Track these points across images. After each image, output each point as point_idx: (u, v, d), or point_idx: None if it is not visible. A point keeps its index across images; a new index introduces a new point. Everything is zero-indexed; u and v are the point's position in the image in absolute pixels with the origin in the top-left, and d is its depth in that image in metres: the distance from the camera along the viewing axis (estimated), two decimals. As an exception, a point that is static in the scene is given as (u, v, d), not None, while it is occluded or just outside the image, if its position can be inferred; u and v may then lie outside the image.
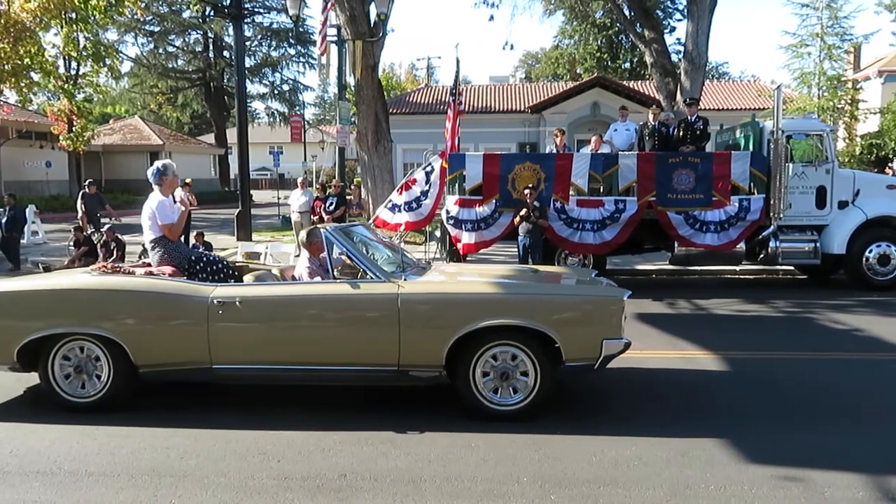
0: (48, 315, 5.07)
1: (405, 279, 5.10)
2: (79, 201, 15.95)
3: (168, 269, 5.42)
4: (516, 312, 4.87)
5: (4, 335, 5.07)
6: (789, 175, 10.25)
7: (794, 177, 10.40)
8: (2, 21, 25.03)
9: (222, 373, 5.03)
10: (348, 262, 5.69)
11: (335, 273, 5.35)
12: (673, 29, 41.18)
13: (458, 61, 12.40)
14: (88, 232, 13.85)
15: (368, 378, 5.07)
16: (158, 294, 5.08)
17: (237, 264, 6.10)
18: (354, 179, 22.24)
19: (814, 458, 4.23)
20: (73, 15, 26.91)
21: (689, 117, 11.56)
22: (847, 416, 5.03)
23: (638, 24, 18.47)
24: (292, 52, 43.32)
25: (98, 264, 5.92)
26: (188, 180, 14.43)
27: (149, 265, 5.68)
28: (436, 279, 5.52)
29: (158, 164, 5.71)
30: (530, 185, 10.13)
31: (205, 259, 5.60)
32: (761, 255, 10.78)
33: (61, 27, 27.66)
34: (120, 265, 5.80)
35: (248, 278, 5.63)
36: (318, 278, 5.44)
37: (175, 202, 5.72)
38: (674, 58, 18.25)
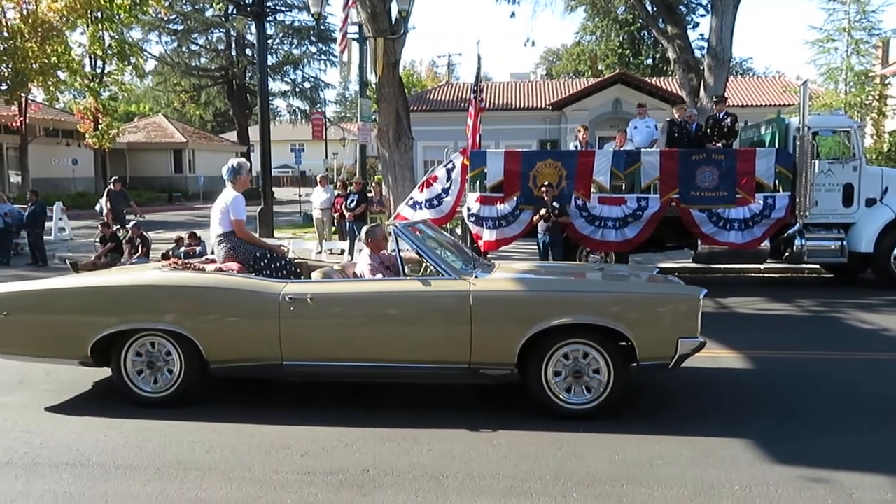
0: (122, 311, 5.12)
1: (476, 276, 5.08)
2: (104, 198, 16.18)
3: (234, 266, 5.47)
4: (590, 310, 4.84)
5: (79, 330, 5.13)
6: (815, 172, 10.11)
7: (821, 174, 10.26)
8: (30, 21, 25.47)
9: (292, 369, 5.04)
10: (412, 258, 5.71)
11: (406, 270, 5.34)
12: (696, 24, 40.74)
13: (479, 58, 12.39)
14: (114, 228, 14.04)
15: (439, 375, 5.06)
16: (230, 290, 5.10)
17: (296, 261, 6.11)
18: (375, 177, 22.31)
19: (841, 458, 4.18)
20: (99, 14, 27.30)
21: (716, 114, 11.44)
22: (875, 417, 4.96)
23: (661, 20, 18.29)
24: (314, 49, 43.51)
25: (169, 261, 5.94)
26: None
27: (214, 261, 5.74)
28: (507, 276, 5.47)
29: (233, 162, 5.80)
30: (547, 183, 10.09)
31: (269, 256, 5.66)
32: (786, 254, 10.64)
33: (87, 26, 28.08)
34: (189, 261, 5.86)
35: (316, 275, 5.63)
36: (379, 275, 5.45)
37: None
38: (697, 54, 18.06)
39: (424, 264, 5.45)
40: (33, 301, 5.37)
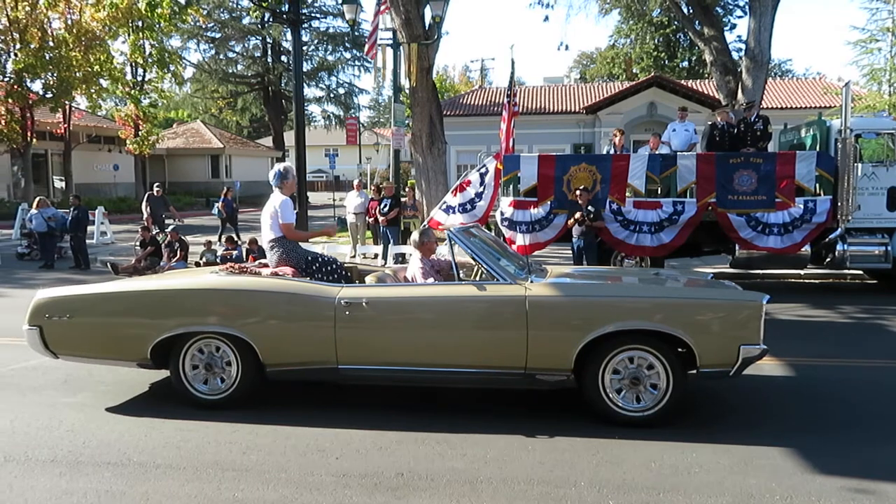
0: (181, 314, 5.19)
1: (531, 281, 5.05)
2: (144, 203, 16.56)
3: (288, 270, 5.53)
4: (650, 316, 4.78)
5: (140, 333, 5.21)
6: (858, 175, 9.86)
7: (864, 177, 10.01)
8: (74, 30, 26.21)
9: (348, 373, 5.07)
10: (461, 262, 5.72)
11: (460, 274, 5.33)
12: (733, 26, 40.26)
13: (512, 62, 12.38)
14: (154, 232, 14.34)
15: (494, 381, 5.02)
16: (287, 294, 5.14)
17: (346, 265, 6.15)
18: (409, 181, 22.40)
19: (887, 469, 4.06)
20: (140, 23, 27.94)
21: (747, 118, 11.25)
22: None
23: (697, 22, 18.05)
24: (348, 55, 43.90)
25: (225, 265, 5.98)
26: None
27: (266, 266, 5.81)
28: (563, 281, 5.40)
29: (279, 167, 5.87)
30: (582, 187, 10.02)
31: (321, 260, 5.72)
32: (828, 259, 10.41)
33: (128, 35, 28.78)
34: (246, 265, 5.92)
35: (370, 279, 5.65)
36: (431, 279, 5.48)
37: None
38: (735, 55, 17.77)
39: (476, 268, 5.42)
40: (96, 304, 5.47)
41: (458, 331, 5.00)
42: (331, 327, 4.97)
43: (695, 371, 4.77)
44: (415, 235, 5.81)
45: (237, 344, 5.13)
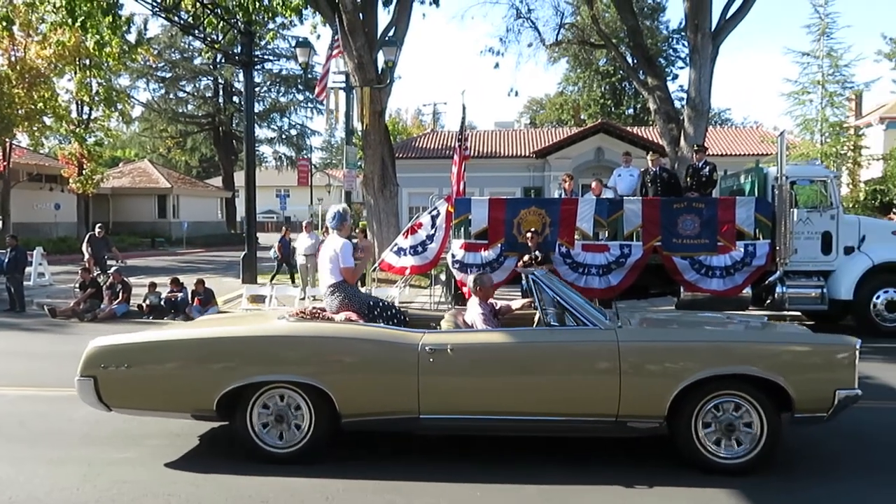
0: (253, 362, 4.91)
1: (620, 326, 4.99)
2: (85, 244, 16.06)
3: (353, 315, 5.30)
4: (747, 361, 4.71)
5: (207, 383, 4.90)
6: (794, 220, 10.25)
7: (799, 222, 10.41)
8: (17, 67, 25.66)
9: (429, 423, 4.87)
10: (506, 308, 5.74)
11: (546, 319, 5.17)
12: (676, 76, 42.00)
13: (463, 107, 12.60)
14: (95, 274, 13.89)
15: (584, 429, 4.90)
16: (369, 341, 4.95)
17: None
18: (360, 223, 22.37)
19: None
20: (87, 61, 27.52)
21: (696, 163, 11.63)
22: (878, 466, 4.93)
23: (641, 72, 18.77)
24: (301, 97, 44.10)
25: (294, 309, 5.68)
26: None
27: (323, 310, 5.56)
28: (654, 326, 5.28)
29: (338, 209, 5.75)
30: (532, 230, 10.16)
31: (381, 304, 5.58)
32: (768, 301, 10.72)
33: (75, 73, 28.29)
34: (316, 310, 5.57)
35: (445, 324, 5.47)
36: (491, 324, 5.37)
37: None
38: (677, 104, 18.48)
39: (537, 314, 5.31)
40: (159, 352, 5.13)
41: (547, 377, 4.85)
42: (414, 375, 4.76)
43: (788, 415, 4.74)
44: (472, 280, 5.72)
45: (311, 393, 4.85)
